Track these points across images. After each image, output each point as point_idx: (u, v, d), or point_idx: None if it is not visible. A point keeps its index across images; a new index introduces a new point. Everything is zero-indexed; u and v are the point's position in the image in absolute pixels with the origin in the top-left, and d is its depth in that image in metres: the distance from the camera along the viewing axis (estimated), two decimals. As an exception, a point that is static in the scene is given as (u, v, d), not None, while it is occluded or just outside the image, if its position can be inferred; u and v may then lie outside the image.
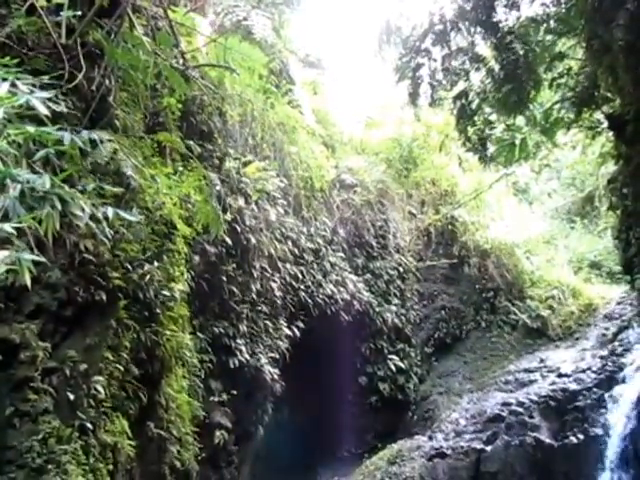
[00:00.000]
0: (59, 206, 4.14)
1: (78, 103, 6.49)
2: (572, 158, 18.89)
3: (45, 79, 5.06)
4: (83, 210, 4.56)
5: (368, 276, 14.97)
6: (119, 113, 7.25)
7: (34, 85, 4.61)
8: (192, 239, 8.38)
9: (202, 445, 9.49)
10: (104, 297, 6.14)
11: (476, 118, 10.92)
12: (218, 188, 9.17)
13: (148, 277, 6.76)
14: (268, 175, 11.12)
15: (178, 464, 8.52)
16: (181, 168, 8.45)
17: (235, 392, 10.43)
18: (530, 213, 20.62)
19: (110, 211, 4.70)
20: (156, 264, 6.94)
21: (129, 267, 6.52)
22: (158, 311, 7.13)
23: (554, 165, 20.33)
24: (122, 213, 4.74)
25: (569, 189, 22.91)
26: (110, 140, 6.44)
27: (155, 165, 7.60)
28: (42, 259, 4.36)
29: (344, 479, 13.25)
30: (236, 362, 10.31)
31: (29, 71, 5.30)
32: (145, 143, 7.60)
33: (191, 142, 9.02)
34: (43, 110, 4.29)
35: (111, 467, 6.48)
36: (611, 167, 10.57)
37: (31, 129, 4.10)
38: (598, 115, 10.53)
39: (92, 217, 5.51)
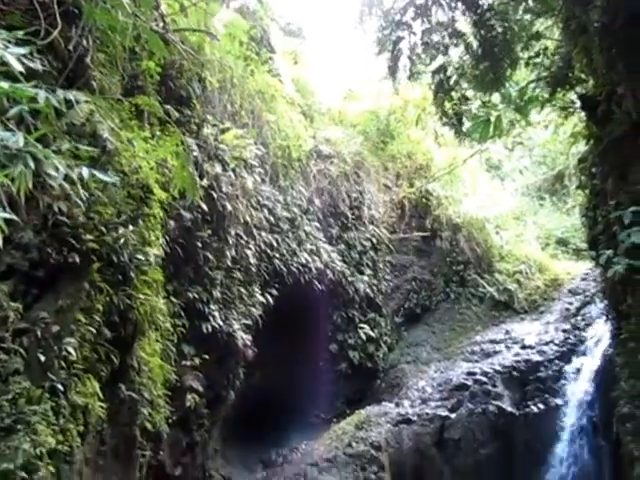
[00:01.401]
0: (32, 165, 3.99)
1: (54, 62, 6.24)
2: (544, 137, 19.00)
3: (20, 34, 4.84)
4: (57, 170, 4.42)
5: (342, 246, 14.97)
6: (96, 74, 7.00)
7: (9, 41, 4.41)
8: (168, 204, 8.21)
9: (173, 408, 9.48)
10: (77, 259, 5.99)
11: (453, 93, 10.85)
12: (195, 154, 8.98)
13: (123, 240, 6.61)
14: (246, 143, 10.94)
15: (149, 426, 8.50)
16: (159, 133, 8.24)
17: (207, 357, 10.39)
18: (502, 189, 20.79)
19: (85, 171, 4.55)
20: (131, 228, 6.79)
21: (103, 230, 6.37)
22: (132, 275, 7.00)
23: (527, 143, 20.41)
24: (98, 174, 4.60)
25: (540, 167, 23.10)
26: (87, 101, 6.22)
27: (132, 129, 7.39)
28: (14, 217, 4.22)
29: (313, 443, 13.41)
30: (209, 327, 10.25)
31: (4, 27, 5.06)
32: (122, 106, 7.36)
33: (169, 107, 8.77)
34: (17, 66, 4.10)
35: (82, 428, 6.41)
36: (582, 147, 10.65)
37: (5, 85, 3.92)
38: (571, 95, 10.56)
39: (66, 178, 5.35)
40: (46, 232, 5.73)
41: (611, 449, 9.81)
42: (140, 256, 7.07)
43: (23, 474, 5.43)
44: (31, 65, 4.56)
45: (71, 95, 5.23)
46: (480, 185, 18.79)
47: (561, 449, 11.26)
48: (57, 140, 5.56)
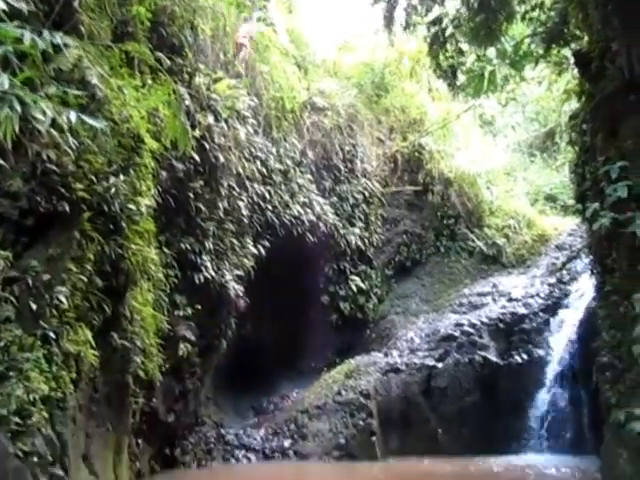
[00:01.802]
0: (19, 108, 3.83)
1: (40, 5, 5.96)
2: (537, 93, 18.74)
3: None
4: (45, 114, 4.25)
5: (334, 199, 14.85)
6: (85, 19, 6.72)
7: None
8: (160, 154, 8.04)
9: (166, 357, 9.54)
10: (67, 208, 5.87)
11: (449, 46, 10.59)
12: (187, 103, 8.75)
13: (113, 190, 6.49)
14: (239, 93, 10.66)
15: (142, 374, 8.55)
16: (150, 81, 7.97)
17: (200, 307, 10.41)
18: (494, 145, 20.59)
19: (73, 115, 4.37)
20: (122, 177, 6.66)
21: (94, 179, 6.23)
22: (123, 225, 6.91)
23: (520, 99, 20.16)
24: (86, 119, 4.42)
25: (532, 124, 22.84)
26: (75, 46, 5.97)
27: (122, 76, 7.13)
28: (2, 163, 4.08)
29: (304, 391, 13.61)
30: (201, 278, 10.23)
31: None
32: (112, 52, 7.08)
33: (160, 55, 8.47)
34: (0, 4, 3.89)
35: (74, 375, 6.42)
36: (574, 105, 10.51)
37: (-13, 24, 3.72)
38: (566, 52, 10.36)
39: (55, 125, 5.17)
40: (35, 180, 5.59)
41: (590, 397, 10.01)
42: (131, 206, 6.96)
43: (17, 419, 5.45)
44: (15, 5, 4.33)
45: (58, 38, 4.99)
46: (473, 140, 18.57)
47: (542, 397, 11.48)
48: (44, 86, 5.34)
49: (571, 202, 16.44)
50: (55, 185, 5.73)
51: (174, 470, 10.77)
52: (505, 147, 21.46)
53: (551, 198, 20.34)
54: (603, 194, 6.43)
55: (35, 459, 5.53)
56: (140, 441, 9.91)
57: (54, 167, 5.63)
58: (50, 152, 5.49)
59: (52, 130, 4.50)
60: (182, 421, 11.11)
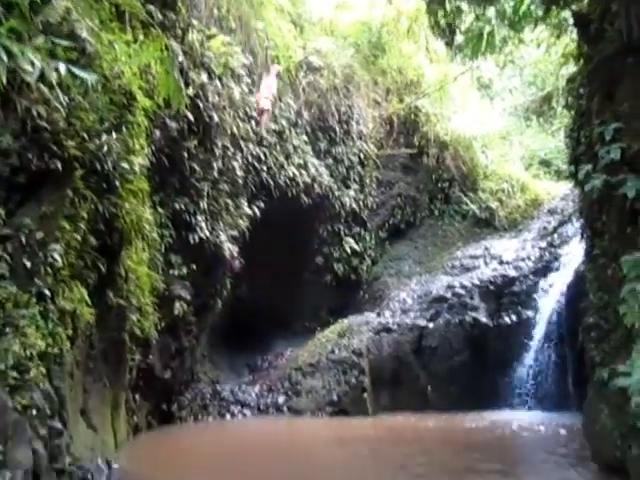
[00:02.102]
0: (5, 59, 3.71)
1: (27, -44, 5.74)
2: (536, 56, 18.40)
3: None
4: (33, 65, 4.12)
5: (330, 161, 14.71)
6: (73, -30, 6.48)
7: None
8: (153, 112, 7.87)
9: (162, 315, 9.59)
10: (59, 166, 5.77)
11: (447, 4, 10.31)
12: (180, 60, 8.53)
13: (106, 148, 6.37)
14: (233, 51, 10.41)
15: (138, 332, 8.61)
16: (141, 37, 7.73)
17: (195, 267, 10.41)
18: (490, 109, 20.35)
19: (62, 67, 4.22)
20: (114, 135, 6.52)
21: (85, 137, 6.09)
22: (117, 183, 6.81)
23: (518, 62, 19.79)
24: (76, 71, 4.28)
25: (530, 87, 22.50)
26: (63, -2, 5.77)
27: (113, 31, 6.91)
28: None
29: (298, 349, 13.76)
30: (196, 238, 10.19)
31: None
32: (102, 5, 6.85)
33: (152, 8, 8.22)
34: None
35: (71, 332, 6.44)
36: (572, 68, 10.35)
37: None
38: (565, 14, 10.11)
39: (44, 80, 5.04)
40: (26, 137, 5.47)
41: (575, 357, 10.18)
42: (124, 165, 6.85)
43: (14, 374, 5.48)
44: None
45: (44, -12, 4.84)
46: (469, 104, 18.33)
47: (529, 357, 11.69)
48: (32, 38, 5.18)
49: (565, 167, 16.38)
50: (46, 142, 5.61)
51: (171, 425, 10.97)
52: (502, 111, 21.20)
53: (545, 163, 20.24)
54: (597, 157, 6.37)
55: (34, 412, 5.58)
56: (137, 397, 10.05)
57: (45, 124, 5.50)
58: (40, 108, 5.36)
59: (41, 85, 4.38)
60: (178, 378, 11.24)
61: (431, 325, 12.53)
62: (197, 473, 7.55)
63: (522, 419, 10.59)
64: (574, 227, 13.25)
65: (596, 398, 6.82)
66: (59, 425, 6.08)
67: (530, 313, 12.12)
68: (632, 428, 5.42)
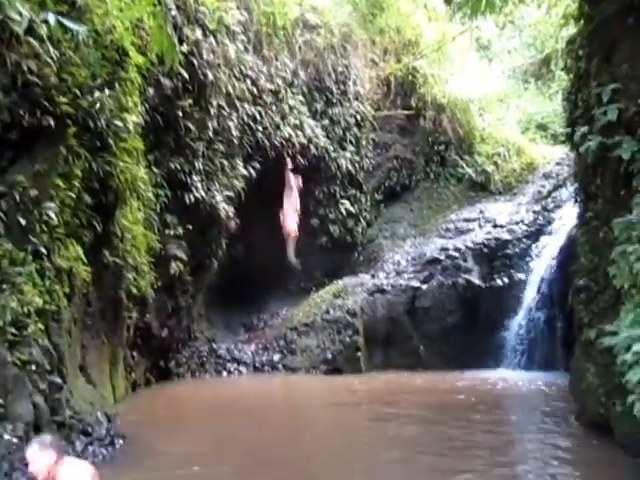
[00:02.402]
0: (-8, 9, 3.60)
1: None
2: (536, 17, 18.02)
3: None
4: (21, 15, 4.01)
5: (326, 122, 14.52)
6: None
7: None
8: (146, 70, 7.73)
9: (158, 275, 9.63)
10: (52, 122, 5.69)
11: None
12: (174, 14, 8.30)
13: (99, 105, 6.27)
14: (227, 6, 10.13)
15: (135, 290, 8.66)
16: (134, -10, 7.55)
17: (190, 227, 10.38)
18: (489, 71, 20.00)
19: (52, 17, 4.10)
20: (107, 92, 6.42)
21: (78, 93, 6.00)
22: (110, 141, 6.74)
23: (518, 23, 19.41)
24: (66, 22, 4.16)
25: (529, 49, 22.10)
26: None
27: (104, -16, 6.74)
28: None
29: (293, 309, 13.87)
30: (192, 198, 10.14)
31: None
32: (93, -42, 6.66)
33: (145, -38, 7.97)
34: None
35: (67, 290, 6.47)
36: (572, 30, 10.11)
37: None
38: (567, -29, 9.83)
39: (34, 34, 4.92)
40: (16, 93, 5.37)
41: (564, 319, 10.33)
42: (118, 122, 6.76)
43: (13, 330, 5.53)
44: None
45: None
46: (468, 65, 17.99)
47: (520, 318, 11.81)
48: (20, -9, 5.03)
49: (562, 131, 16.23)
50: (38, 98, 5.52)
51: (169, 381, 11.13)
52: (500, 73, 20.86)
53: (542, 127, 20.00)
54: (593, 120, 6.30)
55: (33, 368, 5.66)
56: (135, 354, 10.17)
57: (35, 79, 5.40)
58: (30, 63, 5.24)
59: (31, 39, 4.26)
60: (175, 336, 11.35)
61: (424, 287, 12.62)
62: (193, 425, 7.69)
63: (511, 378, 10.79)
64: (568, 191, 13.21)
65: (583, 357, 6.92)
66: (59, 380, 6.17)
67: (522, 276, 12.21)
68: (617, 386, 5.51)
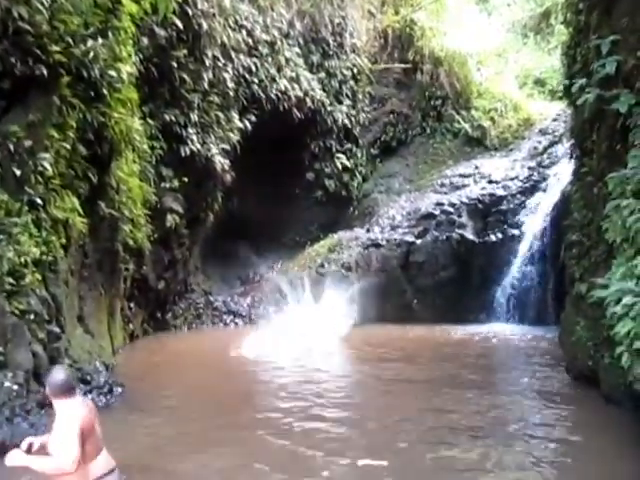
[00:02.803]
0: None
1: None
2: (537, -34, 17.52)
3: None
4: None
5: (322, 74, 14.25)
6: None
7: None
8: (140, 19, 7.53)
9: (154, 227, 9.62)
10: (44, 72, 5.57)
11: None
12: (166, -40, 8.00)
13: (92, 54, 6.12)
14: (222, -47, 9.81)
15: (131, 242, 8.66)
16: None
17: (186, 180, 10.31)
18: (487, 24, 19.55)
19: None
20: (100, 41, 6.25)
21: (70, 42, 5.85)
22: (105, 92, 6.60)
23: (518, -26, 18.89)
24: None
25: (528, 2, 21.57)
26: None
27: None
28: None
29: (288, 263, 13.93)
30: (187, 151, 10.03)
31: None
32: None
33: None
34: None
35: (64, 241, 6.47)
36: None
37: None
38: None
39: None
40: (7, 40, 5.24)
41: (556, 274, 10.43)
42: (112, 72, 6.61)
43: (10, 280, 5.54)
44: None
45: None
46: (466, 18, 17.58)
47: (512, 273, 11.91)
48: None
49: (559, 87, 16.01)
50: (29, 46, 5.39)
51: (166, 332, 11.26)
52: (499, 27, 20.39)
53: (540, 82, 19.69)
54: (592, 74, 6.20)
55: (31, 317, 5.70)
56: (132, 305, 10.26)
57: (27, 26, 5.25)
58: (21, 9, 5.10)
59: (21, -17, 4.12)
60: (172, 288, 11.43)
61: (419, 241, 12.66)
62: (188, 372, 7.82)
63: (502, 332, 10.94)
64: (564, 148, 13.14)
65: (573, 311, 7.02)
66: (57, 329, 6.23)
67: (515, 231, 12.25)
68: (605, 339, 5.60)
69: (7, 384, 5.22)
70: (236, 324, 12.52)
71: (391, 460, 4.60)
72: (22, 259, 5.63)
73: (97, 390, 6.37)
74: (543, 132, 15.66)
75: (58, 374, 3.50)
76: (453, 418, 5.68)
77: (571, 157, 8.78)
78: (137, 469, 4.20)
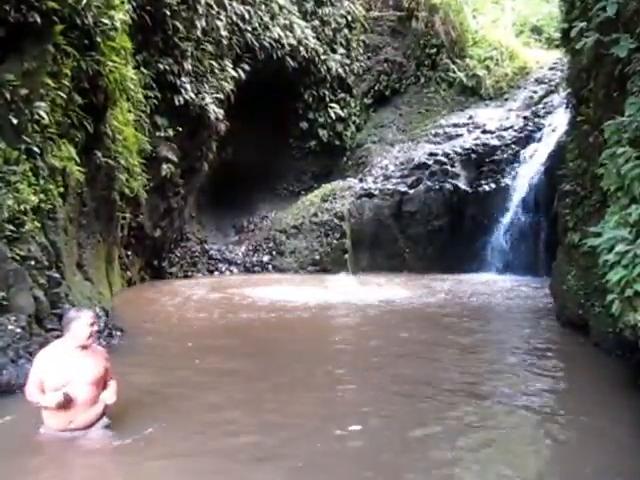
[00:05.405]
0: None
1: None
2: None
3: None
4: None
5: (316, 22, 13.93)
6: None
7: None
8: (132, -37, 7.28)
9: (150, 177, 9.57)
10: (38, 19, 5.42)
11: None
12: None
13: (85, 1, 5.95)
14: None
15: (127, 191, 8.64)
16: None
17: (181, 129, 10.21)
18: (485, -32, 19.00)
19: None
20: (93, -14, 6.07)
21: (62, -13, 5.68)
22: (98, 40, 6.46)
23: None
24: None
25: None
26: None
27: None
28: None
29: (282, 212, 13.97)
30: (181, 100, 9.89)
31: None
32: None
33: None
34: None
35: (62, 189, 6.45)
36: None
37: None
38: None
39: None
40: (0, -15, 5.08)
41: (548, 224, 10.48)
42: (105, 20, 6.45)
43: (10, 227, 5.55)
44: None
45: None
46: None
47: (505, 223, 11.99)
48: None
49: (556, 35, 15.73)
50: (22, -8, 5.22)
51: (162, 280, 11.37)
52: (496, -29, 19.84)
53: (537, 30, 19.34)
54: (591, 19, 6.07)
55: (32, 263, 5.73)
56: (129, 253, 10.33)
57: (18, -30, 5.08)
58: (13, -48, 4.92)
59: None
60: (168, 236, 11.48)
61: (412, 191, 12.69)
62: (188, 317, 7.92)
63: (494, 281, 11.07)
64: (560, 97, 13.02)
65: (565, 260, 7.08)
66: (57, 275, 6.27)
67: (509, 182, 12.25)
68: (596, 288, 5.68)
69: (10, 327, 5.30)
70: (231, 272, 12.67)
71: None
72: (21, 207, 5.62)
73: (97, 334, 6.45)
74: (539, 81, 15.49)
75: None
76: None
77: (567, 106, 8.69)
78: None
